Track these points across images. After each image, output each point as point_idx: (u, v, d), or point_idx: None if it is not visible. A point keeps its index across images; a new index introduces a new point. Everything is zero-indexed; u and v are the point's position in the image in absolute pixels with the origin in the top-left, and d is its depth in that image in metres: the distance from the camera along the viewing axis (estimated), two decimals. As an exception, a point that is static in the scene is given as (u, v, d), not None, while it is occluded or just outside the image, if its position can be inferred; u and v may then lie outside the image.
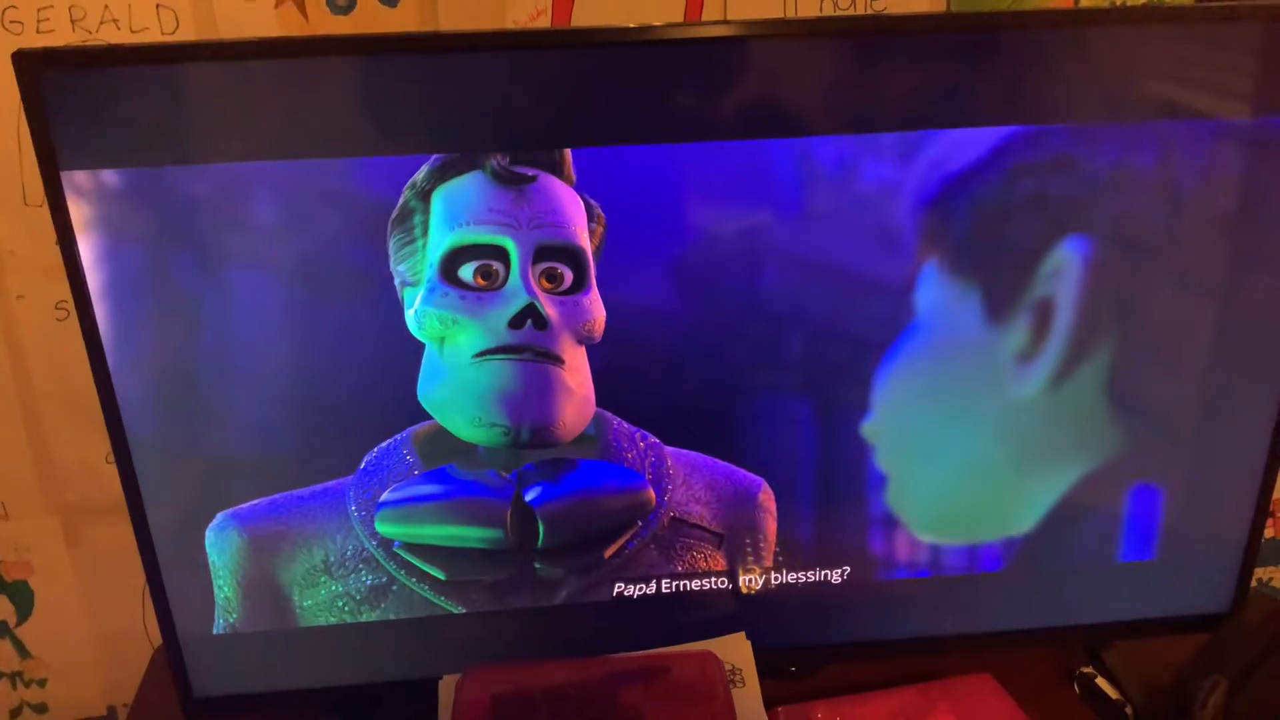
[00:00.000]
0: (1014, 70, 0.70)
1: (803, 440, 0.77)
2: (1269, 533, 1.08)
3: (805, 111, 0.69)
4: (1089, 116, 0.71)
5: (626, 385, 0.74)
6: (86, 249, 0.67)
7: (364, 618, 0.78)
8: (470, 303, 0.70)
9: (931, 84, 0.69)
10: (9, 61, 0.62)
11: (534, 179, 0.68)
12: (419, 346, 0.71)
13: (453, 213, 0.68)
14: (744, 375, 0.75)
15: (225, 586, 0.76)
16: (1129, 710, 0.84)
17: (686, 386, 0.75)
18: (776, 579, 0.81)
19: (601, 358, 0.73)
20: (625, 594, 0.80)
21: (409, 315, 0.70)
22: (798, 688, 0.85)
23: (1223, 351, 0.78)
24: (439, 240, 0.69)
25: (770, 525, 0.79)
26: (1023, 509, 0.81)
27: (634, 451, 0.76)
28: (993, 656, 0.87)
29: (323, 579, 0.76)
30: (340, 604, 0.77)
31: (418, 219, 0.69)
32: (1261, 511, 0.83)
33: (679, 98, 0.68)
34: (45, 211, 0.66)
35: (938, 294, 0.74)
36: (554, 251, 0.70)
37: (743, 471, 0.78)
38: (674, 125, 0.68)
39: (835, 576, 0.82)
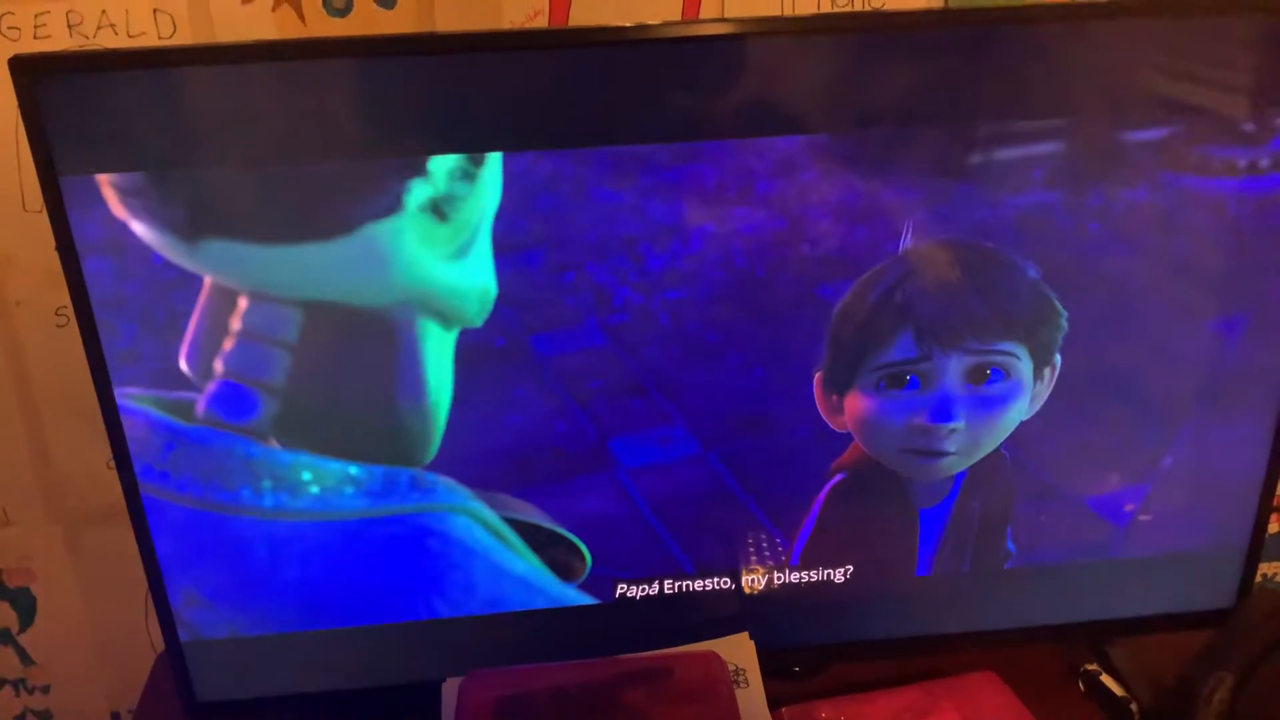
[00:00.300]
0: (1015, 66, 0.70)
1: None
2: (1273, 528, 1.07)
3: (806, 109, 0.69)
4: (1092, 112, 0.71)
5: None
6: (86, 255, 0.67)
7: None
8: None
9: (932, 80, 0.69)
10: (6, 67, 0.62)
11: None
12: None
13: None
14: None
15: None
16: (1134, 707, 0.84)
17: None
18: (780, 579, 0.81)
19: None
20: (628, 595, 0.80)
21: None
22: (801, 688, 0.85)
23: (1227, 346, 0.78)
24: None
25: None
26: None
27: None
28: (997, 654, 0.86)
29: None
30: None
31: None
32: (1265, 507, 0.83)
33: (679, 96, 0.68)
34: (44, 217, 0.65)
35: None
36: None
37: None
38: (673, 124, 0.68)
39: (838, 576, 0.82)
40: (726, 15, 0.87)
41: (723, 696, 0.75)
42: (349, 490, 0.74)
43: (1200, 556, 0.85)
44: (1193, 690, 0.78)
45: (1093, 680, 0.87)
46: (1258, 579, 0.86)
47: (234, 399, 0.71)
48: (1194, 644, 0.82)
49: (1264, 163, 0.73)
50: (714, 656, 0.78)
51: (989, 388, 0.76)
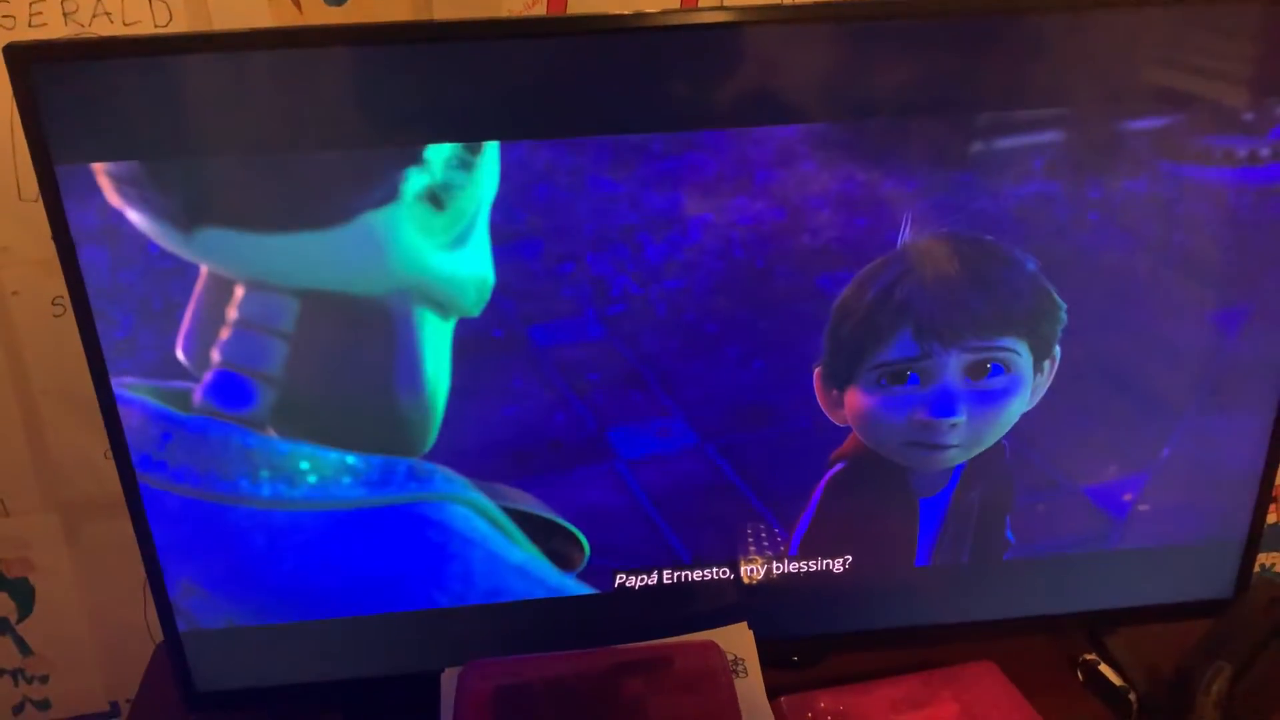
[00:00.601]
0: (1016, 54, 0.69)
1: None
2: (1271, 518, 1.07)
3: (806, 97, 0.69)
4: (1092, 101, 0.70)
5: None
6: (82, 244, 0.66)
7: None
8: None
9: (931, 69, 0.69)
10: (1, 56, 0.62)
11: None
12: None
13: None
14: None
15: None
16: (1132, 697, 0.84)
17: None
18: (779, 568, 0.81)
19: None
20: (627, 585, 0.80)
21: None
22: (800, 677, 0.85)
23: (1226, 337, 0.77)
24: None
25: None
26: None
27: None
28: (996, 644, 0.86)
29: None
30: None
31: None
32: (1264, 497, 0.83)
33: (678, 85, 0.67)
34: (40, 206, 0.65)
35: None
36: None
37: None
38: (672, 112, 0.68)
39: (838, 565, 0.82)
40: (726, 3, 0.87)
41: (722, 686, 0.75)
42: (347, 480, 0.74)
43: (1199, 547, 0.85)
44: (1191, 680, 0.78)
45: (1091, 670, 0.87)
46: (1256, 569, 0.87)
47: (231, 388, 0.71)
48: (1193, 634, 0.83)
49: (1264, 152, 0.72)
50: (713, 646, 0.78)
51: (989, 382, 0.76)
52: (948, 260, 0.73)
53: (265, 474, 0.73)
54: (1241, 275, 0.76)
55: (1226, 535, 0.85)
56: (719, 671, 0.76)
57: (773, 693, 0.79)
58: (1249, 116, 0.72)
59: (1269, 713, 0.78)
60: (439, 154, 0.67)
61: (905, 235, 0.72)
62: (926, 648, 0.87)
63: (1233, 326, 0.77)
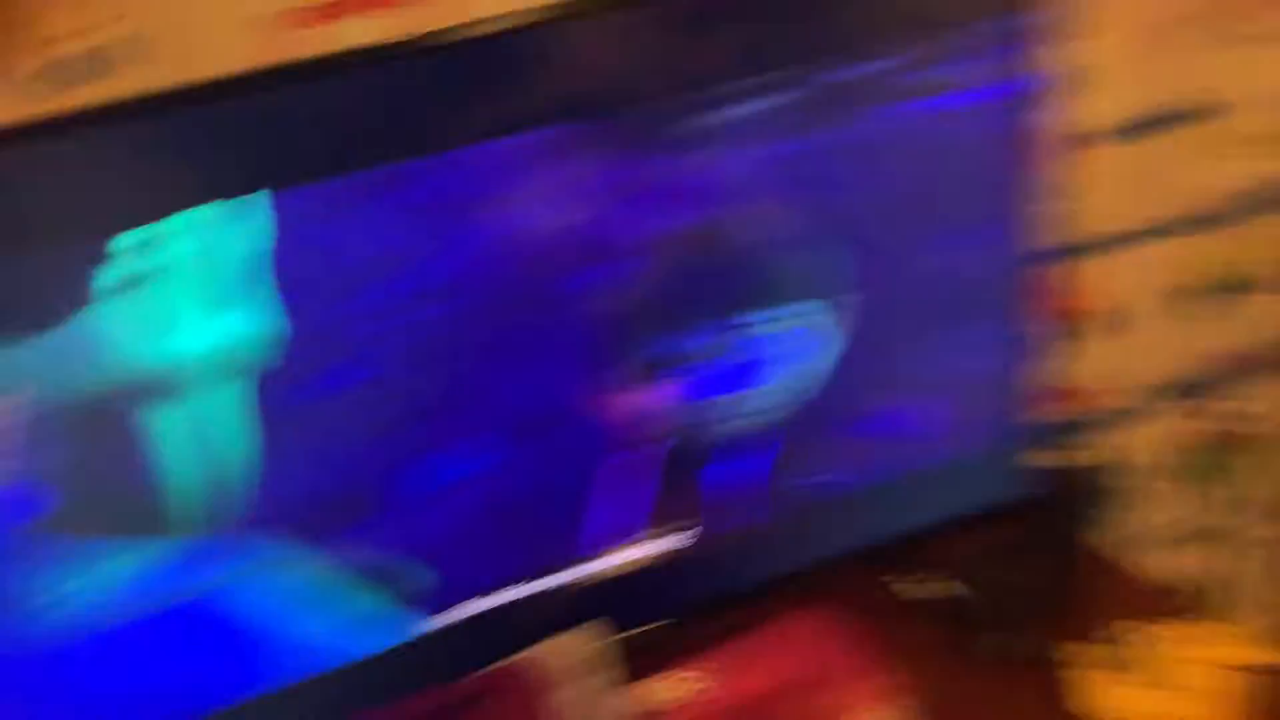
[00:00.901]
0: (734, 26, 0.72)
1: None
2: (1058, 416, 1.15)
3: (543, 103, 0.69)
4: (812, 57, 0.73)
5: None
6: None
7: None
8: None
9: (646, 57, 0.71)
10: None
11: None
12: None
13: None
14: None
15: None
16: (957, 607, 0.88)
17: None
18: (614, 561, 0.83)
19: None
20: (474, 609, 0.80)
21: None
22: (656, 658, 0.85)
23: (978, 254, 0.83)
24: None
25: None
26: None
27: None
28: (817, 587, 0.89)
29: None
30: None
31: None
32: (1038, 398, 0.89)
33: (415, 112, 0.68)
34: None
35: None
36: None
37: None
38: (414, 139, 0.68)
39: (680, 540, 0.84)
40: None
41: (540, 705, 0.76)
42: (161, 568, 0.71)
43: (993, 455, 0.90)
44: (1006, 582, 0.85)
45: (909, 592, 0.91)
46: (1054, 463, 0.92)
47: (10, 501, 0.67)
48: (1003, 539, 0.88)
49: (978, 74, 0.77)
50: (523, 668, 0.78)
51: (779, 346, 0.80)
52: (711, 242, 0.76)
53: (75, 583, 0.70)
54: (977, 192, 0.82)
55: (1014, 440, 0.91)
56: (534, 690, 0.76)
57: (634, 677, 0.81)
58: (959, 44, 0.76)
59: (1047, 614, 0.83)
60: (181, 223, 0.65)
61: (663, 226, 0.74)
62: (751, 607, 0.88)
63: (982, 243, 0.83)
